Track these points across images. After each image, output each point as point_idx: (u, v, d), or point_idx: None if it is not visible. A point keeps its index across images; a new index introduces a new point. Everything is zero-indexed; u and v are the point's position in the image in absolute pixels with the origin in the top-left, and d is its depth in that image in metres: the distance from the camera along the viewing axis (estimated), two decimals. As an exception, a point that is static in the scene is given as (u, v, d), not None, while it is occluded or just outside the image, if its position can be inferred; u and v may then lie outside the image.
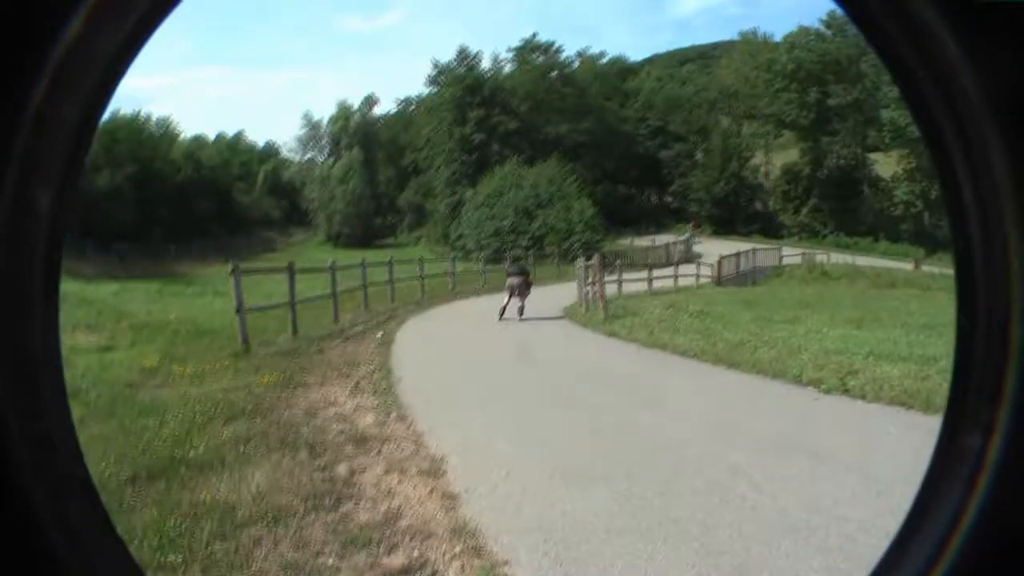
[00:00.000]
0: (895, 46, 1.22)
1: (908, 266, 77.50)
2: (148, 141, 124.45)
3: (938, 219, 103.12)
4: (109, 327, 27.03)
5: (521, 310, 30.30)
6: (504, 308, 30.41)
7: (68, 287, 41.71)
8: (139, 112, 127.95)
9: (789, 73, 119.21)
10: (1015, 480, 1.18)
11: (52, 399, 1.19)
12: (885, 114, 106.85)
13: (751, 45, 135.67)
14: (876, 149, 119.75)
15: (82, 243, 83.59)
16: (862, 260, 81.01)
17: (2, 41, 1.03)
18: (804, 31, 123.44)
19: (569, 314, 32.25)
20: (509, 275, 32.32)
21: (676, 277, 53.06)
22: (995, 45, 1.10)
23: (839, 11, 1.29)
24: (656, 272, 53.16)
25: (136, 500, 8.43)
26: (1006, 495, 1.19)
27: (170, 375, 16.65)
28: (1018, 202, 1.13)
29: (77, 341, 22.06)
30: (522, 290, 31.06)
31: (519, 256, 70.12)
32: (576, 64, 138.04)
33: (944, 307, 35.71)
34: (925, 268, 74.70)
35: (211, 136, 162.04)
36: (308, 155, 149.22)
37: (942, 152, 1.22)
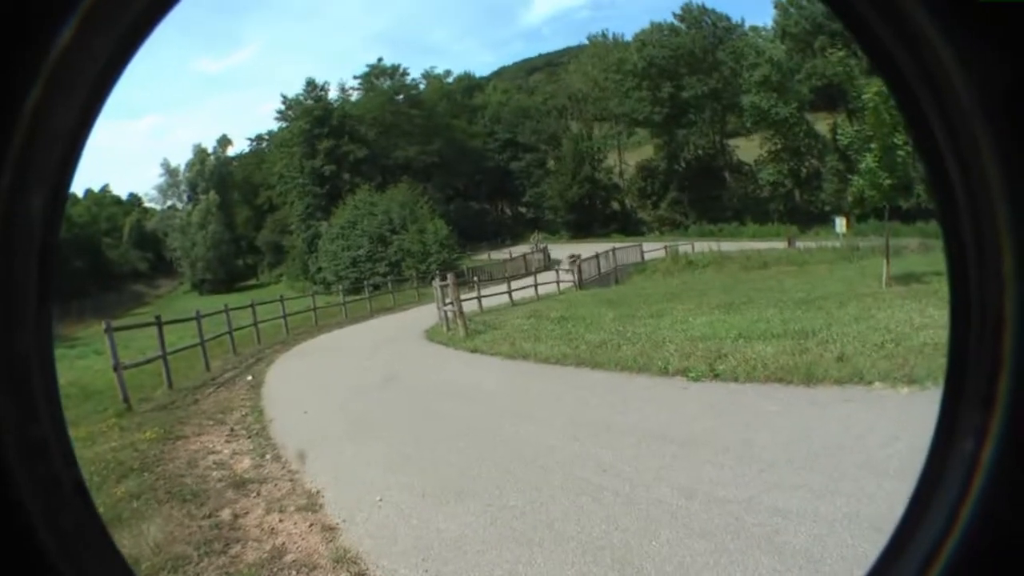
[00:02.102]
0: (885, 49, 1.24)
1: (781, 244, 77.15)
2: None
3: (810, 195, 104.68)
4: None
5: None
6: None
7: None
8: (89, 136, 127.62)
9: (640, 71, 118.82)
10: (1009, 484, 1.18)
11: (45, 404, 1.20)
12: (746, 99, 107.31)
13: (600, 48, 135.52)
14: (737, 135, 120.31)
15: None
16: (730, 245, 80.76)
17: None
18: (657, 28, 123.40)
19: (431, 335, 32.02)
20: None
21: (536, 286, 52.80)
22: (987, 47, 1.11)
23: (695, 4, 1.32)
24: (517, 283, 52.96)
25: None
26: (1001, 499, 1.19)
27: (65, 440, 16.72)
28: (1011, 205, 1.13)
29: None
30: None
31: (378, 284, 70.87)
32: (423, 85, 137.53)
33: (821, 280, 36.32)
34: (800, 244, 74.76)
35: (80, 192, 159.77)
36: (169, 203, 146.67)
37: (934, 156, 1.24)
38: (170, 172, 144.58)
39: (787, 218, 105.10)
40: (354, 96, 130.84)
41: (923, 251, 55.47)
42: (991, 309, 1.18)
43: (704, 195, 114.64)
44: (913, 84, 1.22)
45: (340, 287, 73.21)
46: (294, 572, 7.74)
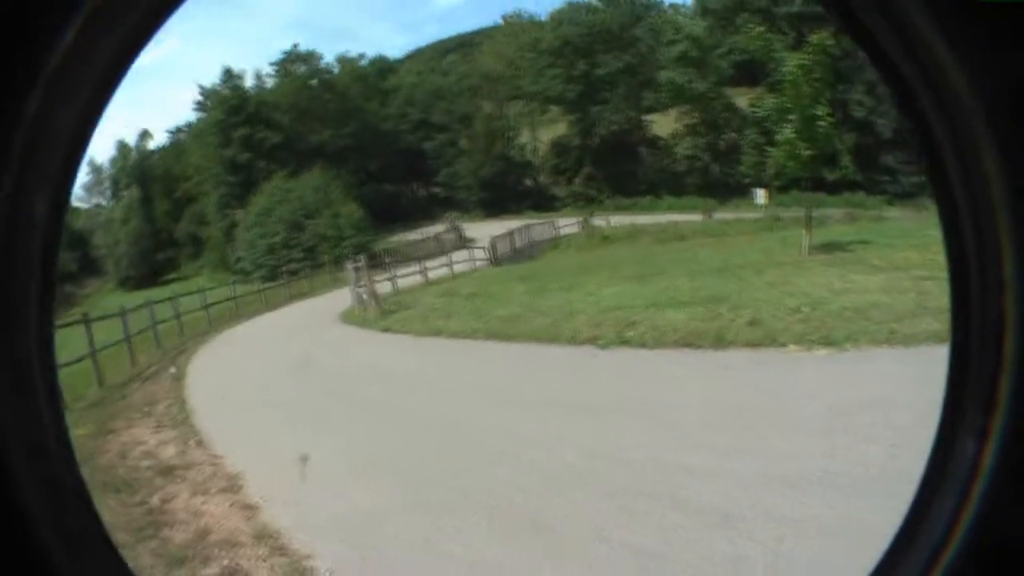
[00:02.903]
0: (884, 48, 1.25)
1: (698, 217, 76.88)
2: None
3: (728, 168, 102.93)
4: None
5: None
6: None
7: None
8: (92, 138, 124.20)
9: (555, 50, 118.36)
10: (1010, 486, 1.20)
11: (46, 406, 1.21)
12: (663, 75, 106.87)
13: (514, 27, 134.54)
14: (653, 110, 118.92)
15: None
16: (645, 219, 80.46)
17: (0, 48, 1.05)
18: (573, 7, 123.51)
19: (346, 318, 32.22)
20: None
21: (451, 264, 53.33)
22: (986, 46, 1.11)
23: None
24: (431, 263, 53.46)
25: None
26: (1001, 501, 1.21)
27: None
28: (1012, 208, 1.14)
29: None
30: None
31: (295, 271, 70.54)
32: (337, 69, 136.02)
33: (741, 250, 36.82)
34: (718, 216, 74.77)
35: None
36: (94, 202, 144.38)
37: (935, 157, 1.25)
38: (95, 170, 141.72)
39: (705, 191, 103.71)
40: (270, 83, 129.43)
41: (849, 221, 55.40)
42: (992, 311, 1.22)
43: (619, 170, 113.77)
44: (913, 85, 1.24)
45: (258, 275, 72.83)
46: (218, 550, 8.10)
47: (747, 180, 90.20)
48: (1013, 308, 1.17)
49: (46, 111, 1.11)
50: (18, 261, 1.14)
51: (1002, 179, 1.15)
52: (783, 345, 12.93)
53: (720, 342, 13.33)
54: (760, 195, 70.73)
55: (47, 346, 1.24)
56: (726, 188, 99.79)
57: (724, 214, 75.99)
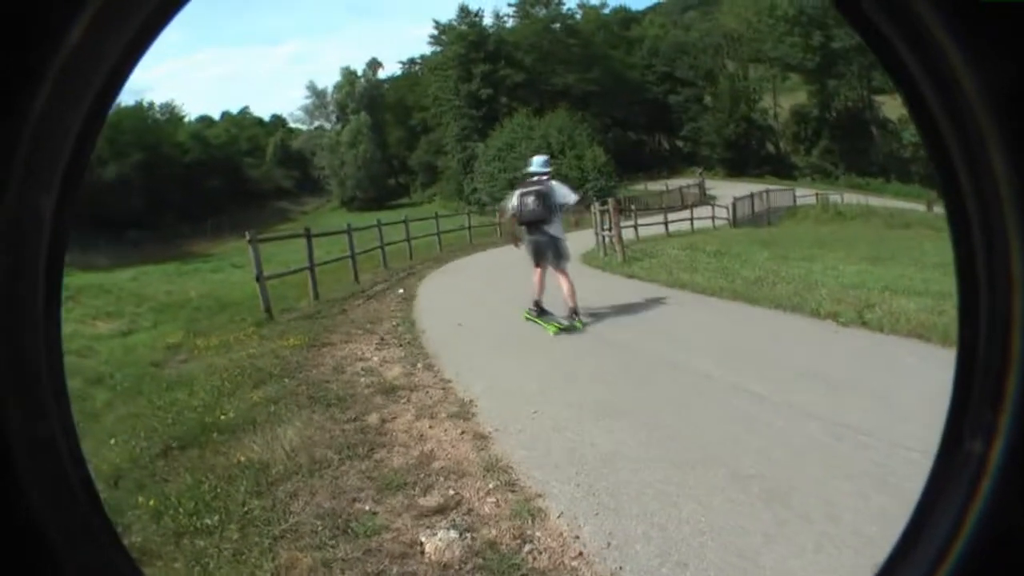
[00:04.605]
0: (892, 46, 1.22)
1: (921, 207, 77.27)
2: (153, 127, 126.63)
3: None
4: (129, 312, 27.48)
5: (572, 313, 15.40)
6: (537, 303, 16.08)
7: (84, 279, 42.13)
8: (141, 101, 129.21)
9: (791, 18, 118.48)
10: (1017, 486, 1.17)
11: (54, 401, 1.19)
12: None
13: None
14: (882, 92, 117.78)
15: (94, 236, 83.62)
16: (875, 200, 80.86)
17: (5, 45, 1.01)
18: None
19: (587, 260, 31.34)
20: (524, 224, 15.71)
21: (692, 220, 52.98)
22: (996, 46, 1.08)
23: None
24: (671, 216, 52.43)
25: (169, 471, 8.66)
26: (1008, 501, 1.17)
27: (195, 349, 16.87)
28: (1020, 206, 1.11)
29: (98, 330, 22.30)
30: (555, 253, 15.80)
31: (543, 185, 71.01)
32: (579, 15, 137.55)
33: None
34: (937, 210, 72.20)
35: (217, 115, 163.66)
36: (315, 124, 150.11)
37: (943, 156, 1.22)
38: (317, 94, 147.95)
39: (926, 181, 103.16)
40: (508, 23, 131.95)
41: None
42: (1000, 309, 1.18)
43: (853, 147, 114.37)
44: (921, 85, 1.20)
45: (496, 208, 73.64)
46: (441, 479, 7.60)
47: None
48: (1021, 306, 1.16)
49: (52, 110, 1.08)
50: (24, 260, 1.12)
51: (1010, 176, 1.13)
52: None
53: (947, 339, 12.21)
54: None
55: (54, 343, 1.21)
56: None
57: (941, 209, 74.30)
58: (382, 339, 15.92)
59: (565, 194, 15.47)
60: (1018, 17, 1.03)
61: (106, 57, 1.13)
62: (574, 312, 15.20)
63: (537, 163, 15.78)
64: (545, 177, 15.41)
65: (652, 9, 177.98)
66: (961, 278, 1.25)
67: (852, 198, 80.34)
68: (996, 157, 1.11)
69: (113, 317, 25.98)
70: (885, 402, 9.12)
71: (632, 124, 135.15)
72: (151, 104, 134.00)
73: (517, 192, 15.45)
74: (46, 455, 1.15)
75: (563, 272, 15.58)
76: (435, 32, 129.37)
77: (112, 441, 10.32)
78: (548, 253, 15.54)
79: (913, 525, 1.33)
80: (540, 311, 15.88)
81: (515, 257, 21.15)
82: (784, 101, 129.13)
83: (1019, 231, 1.11)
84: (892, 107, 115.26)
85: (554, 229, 15.42)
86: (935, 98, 1.18)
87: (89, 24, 1.05)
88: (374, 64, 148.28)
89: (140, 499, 7.57)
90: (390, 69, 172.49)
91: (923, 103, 1.21)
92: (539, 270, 15.80)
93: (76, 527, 1.18)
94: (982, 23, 1.06)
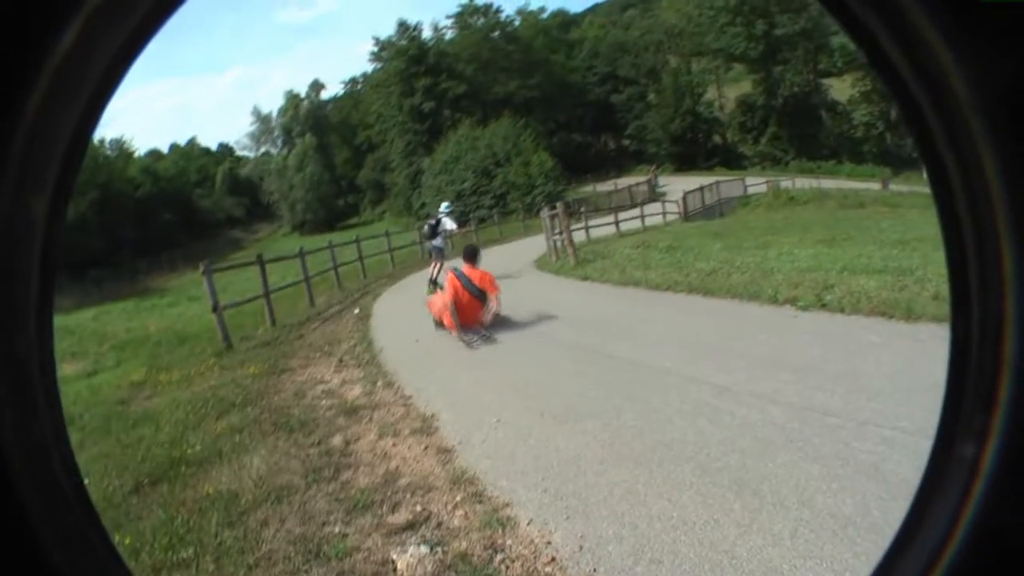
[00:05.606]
0: (882, 47, 1.18)
1: (876, 186, 77.45)
2: (104, 164, 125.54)
3: (900, 139, 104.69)
4: (92, 352, 27.37)
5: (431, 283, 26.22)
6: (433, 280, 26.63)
7: (48, 322, 42.22)
8: (91, 139, 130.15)
9: (733, 7, 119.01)
10: (1010, 489, 1.15)
11: (46, 407, 1.16)
12: (835, 40, 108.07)
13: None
14: (830, 74, 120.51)
15: (58, 278, 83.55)
16: (828, 183, 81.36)
17: None
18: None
19: (540, 265, 31.88)
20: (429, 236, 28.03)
21: (643, 217, 53.27)
22: (987, 46, 1.07)
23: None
24: (622, 215, 53.19)
25: (142, 507, 8.60)
26: (1001, 504, 1.16)
27: (158, 384, 16.78)
28: (1011, 207, 1.10)
29: (64, 372, 22.16)
30: (438, 254, 27.62)
31: (483, 217, 72.26)
32: (518, 22, 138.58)
33: (915, 223, 35.93)
34: (893, 187, 75.15)
35: (165, 148, 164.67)
36: (262, 150, 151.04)
37: (934, 157, 1.20)
38: (262, 119, 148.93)
39: (879, 160, 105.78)
40: (448, 35, 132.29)
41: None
42: (992, 309, 1.17)
43: (802, 132, 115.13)
44: (911, 85, 1.17)
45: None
46: (408, 495, 7.62)
47: (916, 154, 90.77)
48: (1013, 307, 1.14)
49: (46, 111, 1.06)
50: (17, 262, 1.11)
51: (1001, 176, 1.11)
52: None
53: (910, 314, 12.74)
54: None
55: (46, 347, 1.19)
56: (898, 160, 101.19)
57: (898, 185, 76.98)
58: (341, 360, 15.99)
59: (449, 223, 27.65)
60: (1009, 16, 1.04)
61: (100, 59, 1.12)
62: (433, 282, 25.76)
63: (443, 207, 28.45)
64: (443, 215, 27.44)
65: (591, 10, 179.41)
66: (953, 278, 1.25)
67: (804, 183, 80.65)
68: (986, 156, 1.11)
69: (78, 357, 25.99)
70: (849, 382, 9.18)
71: (577, 127, 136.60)
72: (102, 141, 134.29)
73: (427, 222, 26.43)
74: (38, 461, 1.13)
75: (440, 262, 26.83)
76: (375, 49, 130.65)
77: (87, 482, 10.20)
78: (435, 253, 27.47)
79: (906, 528, 1.32)
80: (434, 285, 25.27)
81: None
82: (729, 92, 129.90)
83: (1010, 231, 1.11)
84: (840, 89, 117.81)
85: (438, 241, 27.43)
86: (925, 97, 1.17)
87: (83, 27, 1.04)
88: (317, 86, 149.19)
89: (117, 538, 7.50)
90: (333, 89, 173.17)
91: (913, 102, 1.20)
92: (435, 263, 27.13)
93: (70, 533, 1.17)
94: (973, 22, 1.07)
